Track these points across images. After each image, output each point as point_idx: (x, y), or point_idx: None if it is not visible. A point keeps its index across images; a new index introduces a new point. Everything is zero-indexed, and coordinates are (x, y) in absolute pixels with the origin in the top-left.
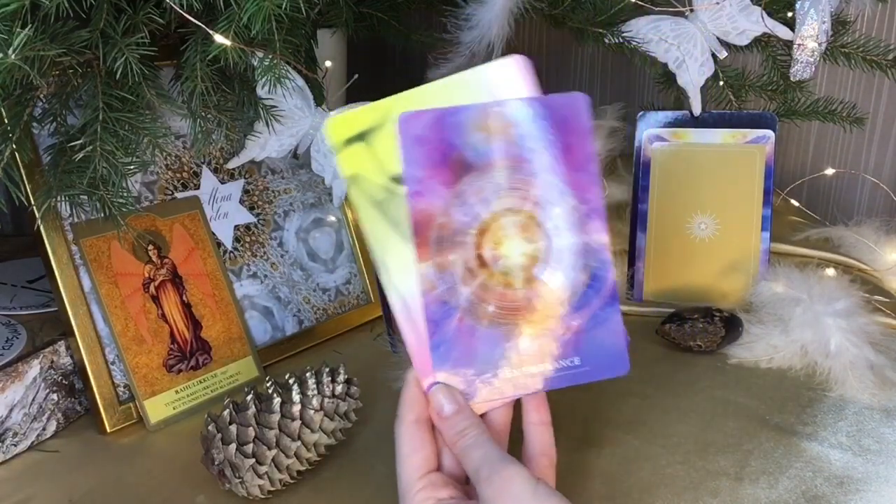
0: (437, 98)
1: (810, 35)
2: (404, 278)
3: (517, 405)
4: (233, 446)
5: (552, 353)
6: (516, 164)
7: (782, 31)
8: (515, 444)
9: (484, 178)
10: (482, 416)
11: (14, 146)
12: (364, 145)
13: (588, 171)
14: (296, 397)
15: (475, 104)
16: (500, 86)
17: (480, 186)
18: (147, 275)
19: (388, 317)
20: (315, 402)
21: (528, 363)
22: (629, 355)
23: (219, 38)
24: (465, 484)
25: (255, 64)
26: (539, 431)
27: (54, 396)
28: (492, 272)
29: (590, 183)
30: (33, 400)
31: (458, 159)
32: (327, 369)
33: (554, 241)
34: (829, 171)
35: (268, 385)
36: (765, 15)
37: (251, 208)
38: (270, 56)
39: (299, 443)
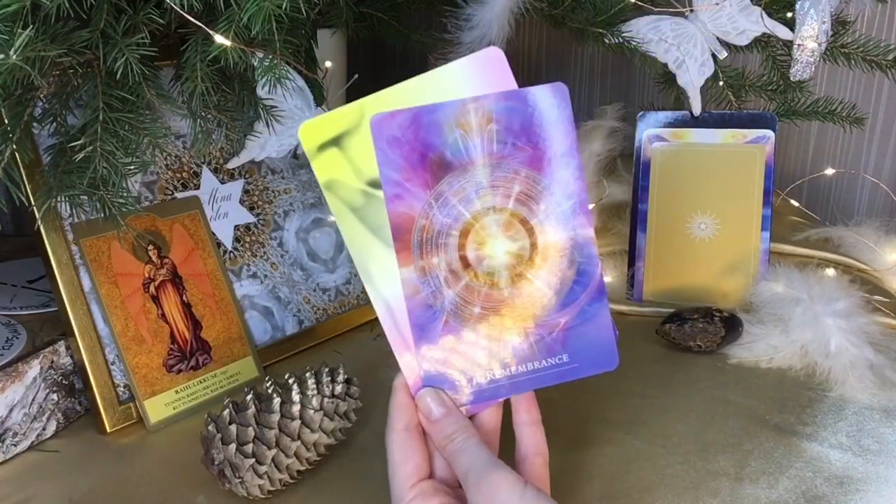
0: (411, 96)
1: (810, 35)
2: (387, 284)
3: (506, 405)
4: (233, 446)
5: (540, 351)
6: (497, 160)
7: (782, 31)
8: (508, 445)
9: (464, 178)
10: (471, 418)
11: (14, 146)
12: (338, 150)
13: (570, 164)
14: (296, 397)
15: (451, 101)
16: (475, 80)
17: (461, 186)
18: (147, 275)
19: None
20: (315, 402)
21: (516, 362)
22: (618, 350)
23: (219, 39)
24: (458, 488)
25: (255, 64)
26: (530, 431)
27: (54, 396)
28: (476, 273)
29: (573, 177)
30: (33, 400)
31: (437, 159)
32: (327, 369)
33: (539, 238)
34: (829, 171)
35: (268, 385)
36: (765, 15)
37: (251, 208)
38: (270, 56)
39: (299, 443)
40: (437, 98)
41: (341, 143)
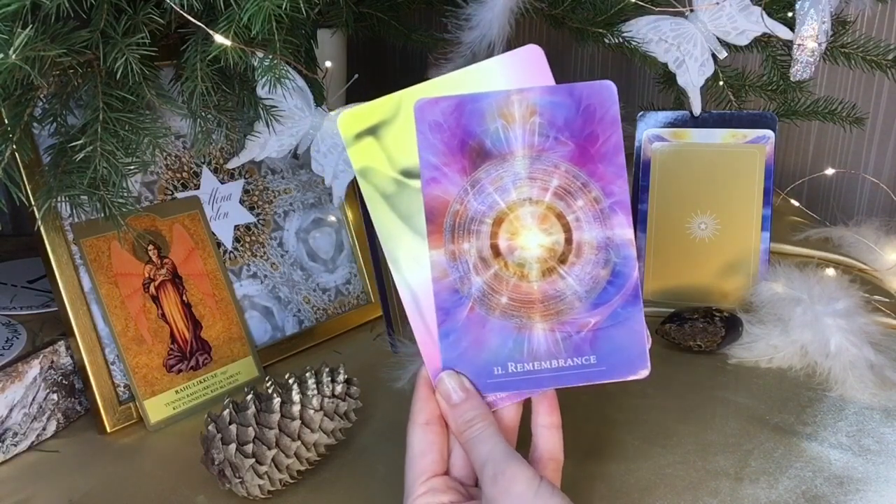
0: (450, 90)
1: (810, 35)
2: (414, 272)
3: (526, 405)
4: (233, 446)
5: (566, 349)
6: (537, 153)
7: (782, 31)
8: (522, 446)
9: (502, 167)
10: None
11: (14, 146)
12: (374, 139)
13: (613, 162)
14: (296, 397)
15: (497, 91)
16: (515, 76)
17: (499, 175)
18: (147, 275)
19: (388, 317)
20: (315, 402)
21: (541, 358)
22: (650, 359)
23: (219, 39)
24: (471, 486)
25: (255, 64)
26: (549, 434)
27: (54, 396)
28: (506, 263)
29: (615, 175)
30: (33, 400)
31: (477, 147)
32: (327, 369)
33: (574, 235)
34: (829, 171)
35: (268, 385)
36: (765, 15)
37: (251, 208)
38: (270, 56)
39: (299, 443)
40: (478, 90)
41: (378, 132)
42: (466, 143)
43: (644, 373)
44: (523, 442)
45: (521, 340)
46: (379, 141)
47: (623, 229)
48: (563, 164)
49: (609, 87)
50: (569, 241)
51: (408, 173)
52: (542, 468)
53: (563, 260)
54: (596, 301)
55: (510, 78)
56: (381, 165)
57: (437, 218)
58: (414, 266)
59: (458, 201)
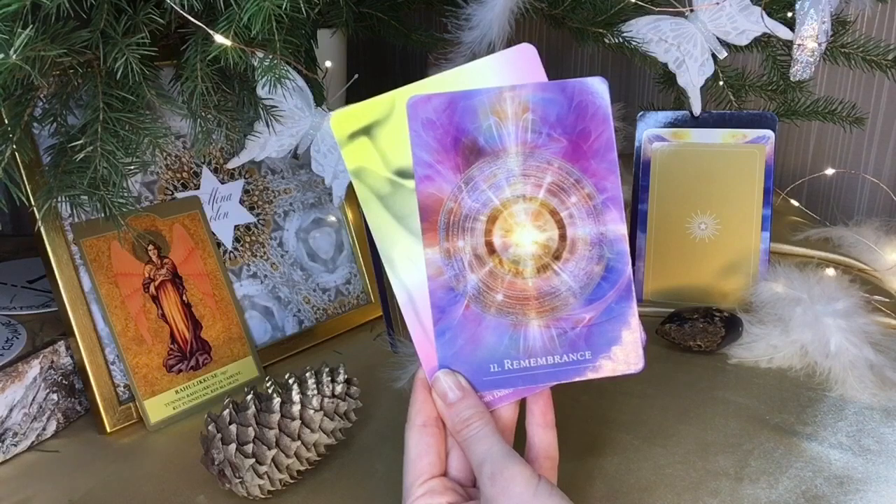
0: (445, 89)
1: (810, 35)
2: (409, 272)
3: (522, 404)
4: (233, 446)
5: (562, 345)
6: (530, 150)
7: (782, 31)
8: (517, 446)
9: (496, 164)
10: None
11: (14, 146)
12: (368, 139)
13: (606, 158)
14: (296, 397)
15: (489, 88)
16: (508, 75)
17: (492, 172)
18: (147, 275)
19: (388, 317)
20: (315, 402)
21: (536, 355)
22: (645, 353)
23: (219, 39)
24: (469, 487)
25: (256, 64)
26: (543, 433)
27: (54, 396)
28: (501, 260)
29: (607, 171)
30: (33, 400)
31: (470, 144)
32: (327, 369)
33: (568, 231)
34: (829, 171)
35: (268, 385)
36: (765, 15)
37: (251, 208)
38: (270, 56)
39: (299, 443)
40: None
41: (371, 132)
42: (459, 140)
43: (639, 367)
44: (517, 441)
45: (517, 337)
46: (373, 141)
47: (616, 225)
48: (556, 160)
49: (601, 84)
50: (563, 237)
51: (402, 173)
52: (538, 467)
53: (557, 256)
54: (590, 297)
55: (504, 77)
56: (376, 166)
57: (432, 216)
58: (409, 266)
59: (451, 199)
